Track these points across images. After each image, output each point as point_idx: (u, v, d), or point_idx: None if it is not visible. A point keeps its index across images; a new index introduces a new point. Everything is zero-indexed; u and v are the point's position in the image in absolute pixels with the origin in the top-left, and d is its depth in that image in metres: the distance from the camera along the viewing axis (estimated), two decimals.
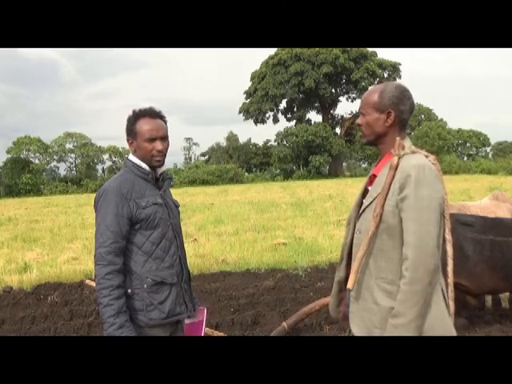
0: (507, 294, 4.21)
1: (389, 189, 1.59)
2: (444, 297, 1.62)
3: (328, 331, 4.02)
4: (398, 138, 1.65)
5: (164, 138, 2.01)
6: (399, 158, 1.61)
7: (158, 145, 1.98)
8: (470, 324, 3.90)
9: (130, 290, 1.90)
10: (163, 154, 2.01)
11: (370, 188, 1.73)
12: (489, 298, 4.32)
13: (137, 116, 1.99)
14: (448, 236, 1.65)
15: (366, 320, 1.66)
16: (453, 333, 1.60)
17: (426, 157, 1.63)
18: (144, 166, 2.00)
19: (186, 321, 2.14)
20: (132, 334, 1.83)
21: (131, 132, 1.99)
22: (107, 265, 1.84)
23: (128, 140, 2.02)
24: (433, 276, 1.51)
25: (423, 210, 1.51)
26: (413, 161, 1.57)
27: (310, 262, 6.49)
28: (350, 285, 1.64)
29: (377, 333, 1.61)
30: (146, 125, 1.97)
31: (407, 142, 1.68)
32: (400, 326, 1.51)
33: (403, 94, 1.68)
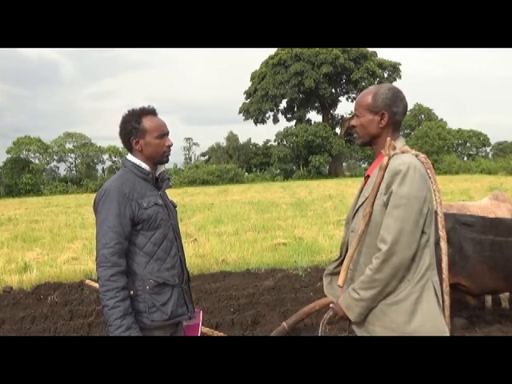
0: (507, 293, 4.21)
1: (378, 188, 1.63)
2: (436, 294, 1.64)
3: (328, 331, 4.01)
4: (388, 139, 1.68)
5: (168, 134, 2.05)
6: (389, 158, 1.64)
7: (169, 140, 2.02)
8: (470, 324, 3.90)
9: (131, 292, 1.88)
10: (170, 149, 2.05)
11: (364, 189, 1.78)
12: (489, 298, 4.31)
13: (140, 114, 1.98)
14: (442, 233, 1.68)
15: None
16: (445, 331, 1.62)
17: (416, 156, 1.65)
18: (144, 165, 1.99)
19: (184, 322, 2.14)
20: (139, 335, 1.81)
21: (137, 131, 1.96)
22: (111, 266, 1.81)
23: (132, 140, 1.98)
24: (398, 270, 1.56)
25: (400, 207, 1.55)
26: (399, 160, 1.61)
27: (310, 262, 6.48)
28: (340, 282, 1.69)
29: (370, 329, 1.65)
30: (153, 122, 1.98)
31: (399, 143, 1.71)
32: (352, 299, 1.64)
33: (396, 96, 1.71)
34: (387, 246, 1.55)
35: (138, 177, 1.98)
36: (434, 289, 1.63)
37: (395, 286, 1.59)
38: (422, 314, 1.58)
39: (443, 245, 1.69)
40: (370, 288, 1.59)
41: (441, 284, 1.68)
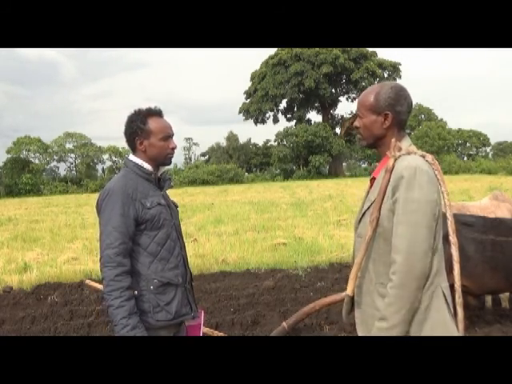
0: (507, 293, 4.21)
1: (385, 192, 1.56)
2: (446, 301, 1.56)
3: (328, 331, 4.02)
4: (393, 140, 1.61)
5: (173, 136, 2.06)
6: (395, 160, 1.57)
7: (173, 142, 2.03)
8: (470, 324, 3.90)
9: (136, 292, 1.88)
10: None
11: (369, 192, 1.71)
12: (489, 298, 4.32)
13: (146, 115, 1.98)
14: (453, 239, 1.57)
15: (368, 325, 1.64)
16: None
17: (423, 157, 1.57)
18: (146, 166, 1.99)
19: (186, 322, 2.14)
20: (145, 335, 1.82)
21: (142, 131, 1.96)
22: (116, 266, 1.82)
23: (136, 140, 1.98)
24: (421, 280, 1.47)
25: (412, 213, 1.47)
26: (405, 163, 1.53)
27: (310, 262, 6.49)
28: (349, 291, 1.63)
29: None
30: (159, 123, 1.99)
31: (405, 142, 1.64)
32: (383, 330, 1.50)
33: (399, 95, 1.64)
34: (404, 256, 1.46)
35: (140, 177, 1.98)
36: (444, 295, 1.56)
37: (423, 299, 1.50)
38: (432, 321, 1.52)
39: (454, 252, 1.57)
40: (399, 309, 1.47)
41: (453, 294, 1.58)
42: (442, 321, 1.55)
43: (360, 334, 1.70)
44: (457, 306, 1.57)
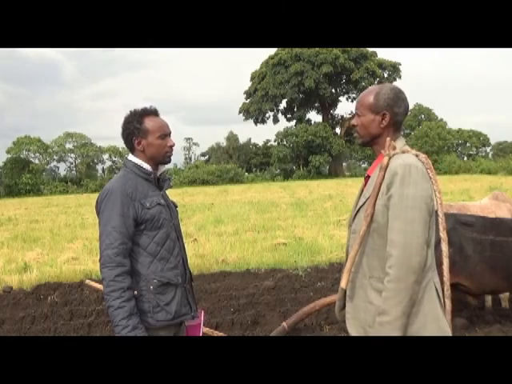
0: (507, 293, 4.21)
1: (379, 189, 1.61)
2: (438, 295, 1.62)
3: (328, 331, 4.02)
4: (388, 139, 1.67)
5: (170, 135, 2.05)
6: (389, 159, 1.63)
7: (171, 141, 2.03)
8: (470, 324, 3.90)
9: (136, 292, 1.88)
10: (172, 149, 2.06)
11: (364, 189, 1.76)
12: (489, 298, 4.32)
13: (142, 115, 1.98)
14: (443, 235, 1.65)
15: (360, 319, 1.68)
16: (447, 332, 1.61)
17: (417, 156, 1.63)
18: (145, 166, 2.00)
19: (186, 322, 2.14)
20: (144, 335, 1.82)
21: (139, 131, 1.97)
22: (116, 267, 1.81)
23: (134, 140, 1.98)
24: (418, 274, 1.51)
25: (408, 209, 1.52)
26: (399, 160, 1.59)
27: (310, 261, 6.49)
28: (343, 284, 1.67)
29: (371, 332, 1.62)
30: (155, 122, 1.99)
31: (399, 143, 1.70)
32: (385, 324, 1.52)
33: (398, 96, 1.70)
34: (400, 250, 1.50)
35: (139, 177, 1.98)
36: (436, 290, 1.61)
37: (421, 293, 1.54)
38: (424, 315, 1.56)
39: (444, 247, 1.66)
40: (399, 302, 1.50)
41: (442, 287, 1.65)
42: (433, 313, 1.59)
43: (350, 328, 1.74)
44: (445, 299, 1.63)
